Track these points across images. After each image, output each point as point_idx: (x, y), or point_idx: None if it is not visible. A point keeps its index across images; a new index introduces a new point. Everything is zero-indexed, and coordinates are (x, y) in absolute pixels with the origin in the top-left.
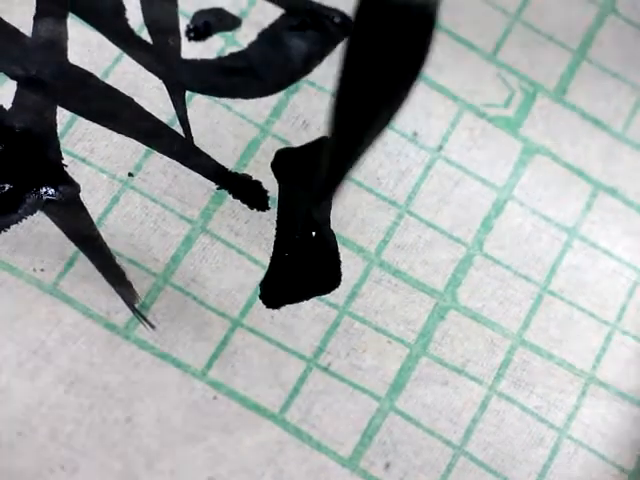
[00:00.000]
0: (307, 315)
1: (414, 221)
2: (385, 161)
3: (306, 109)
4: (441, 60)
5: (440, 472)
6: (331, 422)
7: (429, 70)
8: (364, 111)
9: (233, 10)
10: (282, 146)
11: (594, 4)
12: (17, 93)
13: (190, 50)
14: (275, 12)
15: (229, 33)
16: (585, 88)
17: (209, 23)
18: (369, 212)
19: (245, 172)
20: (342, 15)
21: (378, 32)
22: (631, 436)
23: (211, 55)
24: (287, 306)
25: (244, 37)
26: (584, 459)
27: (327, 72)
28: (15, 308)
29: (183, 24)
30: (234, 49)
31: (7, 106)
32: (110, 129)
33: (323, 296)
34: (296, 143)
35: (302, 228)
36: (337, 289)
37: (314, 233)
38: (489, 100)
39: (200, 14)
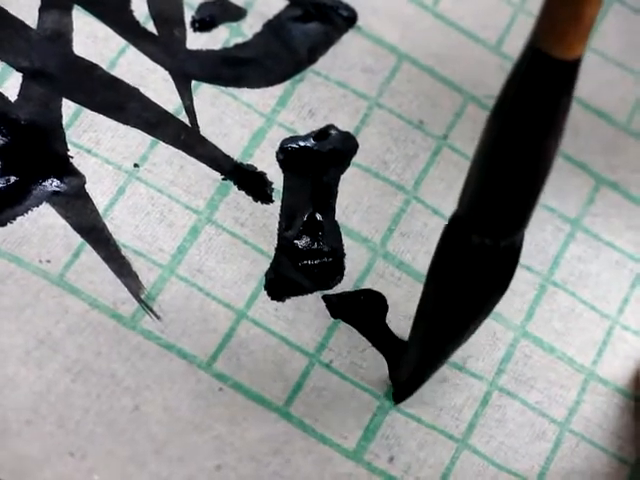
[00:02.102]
0: (310, 309)
1: (421, 207)
2: (392, 146)
3: (312, 98)
4: (445, 51)
5: (444, 464)
6: (334, 417)
7: (433, 61)
8: (447, 329)
9: (238, 1)
10: (288, 135)
11: None
12: (23, 85)
13: (195, 41)
14: (280, 3)
15: (234, 24)
16: (589, 79)
17: (214, 14)
18: (376, 198)
19: (250, 162)
20: (347, 7)
21: (462, 268)
22: (631, 429)
23: (216, 46)
24: (291, 298)
25: (249, 28)
26: (586, 452)
27: (332, 62)
28: (22, 299)
29: (188, 15)
30: (239, 40)
31: (13, 98)
32: (116, 120)
33: (326, 291)
34: (302, 132)
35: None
36: (340, 283)
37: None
38: (493, 92)
39: (205, 5)
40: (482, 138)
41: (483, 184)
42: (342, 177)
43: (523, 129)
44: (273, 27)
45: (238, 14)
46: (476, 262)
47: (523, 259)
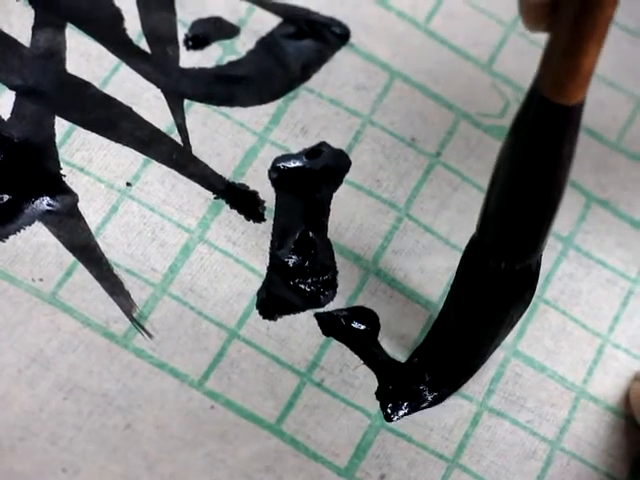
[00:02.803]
0: (302, 327)
1: (413, 225)
2: (385, 164)
3: (304, 115)
4: (437, 69)
5: None
6: (326, 435)
7: (424, 78)
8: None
9: (231, 19)
10: (280, 153)
11: None
12: (16, 103)
13: (188, 59)
14: (273, 20)
15: (227, 41)
16: None
17: (207, 32)
18: (368, 216)
19: (242, 181)
20: (340, 25)
21: (481, 288)
22: (622, 447)
23: (210, 64)
24: (283, 317)
25: (242, 45)
26: (577, 470)
27: (325, 79)
28: (14, 316)
29: (181, 33)
30: (232, 57)
31: (6, 116)
32: (108, 138)
33: (318, 309)
34: (295, 150)
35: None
36: (332, 302)
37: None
38: (484, 110)
39: (198, 23)
40: (494, 173)
41: (497, 214)
42: (334, 195)
43: (532, 166)
44: (266, 44)
45: (231, 32)
46: (493, 283)
47: None
